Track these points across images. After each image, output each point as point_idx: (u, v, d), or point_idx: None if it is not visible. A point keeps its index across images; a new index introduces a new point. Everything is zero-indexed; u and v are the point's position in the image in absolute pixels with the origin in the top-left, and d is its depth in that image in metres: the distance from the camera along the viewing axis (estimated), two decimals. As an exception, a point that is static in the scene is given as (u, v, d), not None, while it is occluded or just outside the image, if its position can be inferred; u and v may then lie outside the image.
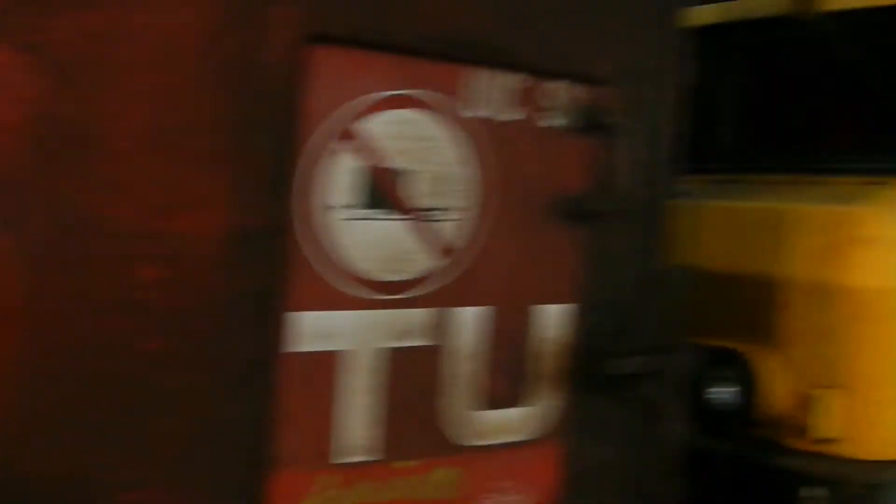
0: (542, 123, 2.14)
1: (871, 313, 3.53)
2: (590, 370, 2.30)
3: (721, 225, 3.86)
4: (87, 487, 1.58)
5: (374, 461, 1.94)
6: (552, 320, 2.24)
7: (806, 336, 3.65)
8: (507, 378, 2.17)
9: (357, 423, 1.90)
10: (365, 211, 1.86)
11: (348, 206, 1.83)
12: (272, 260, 1.74)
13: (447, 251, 2.01)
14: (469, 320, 2.07)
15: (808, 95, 4.40)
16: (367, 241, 1.88)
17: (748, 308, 3.79)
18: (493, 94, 2.03)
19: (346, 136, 1.81)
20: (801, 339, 3.65)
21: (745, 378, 3.70)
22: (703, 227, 3.80)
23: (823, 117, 4.37)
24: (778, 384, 3.67)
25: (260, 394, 1.75)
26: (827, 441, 3.52)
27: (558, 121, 2.17)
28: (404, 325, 1.96)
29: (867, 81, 3.91)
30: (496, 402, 2.15)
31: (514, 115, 2.08)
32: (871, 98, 3.98)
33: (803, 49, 4.05)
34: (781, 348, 3.68)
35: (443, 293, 2.01)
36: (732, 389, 3.72)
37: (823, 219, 3.72)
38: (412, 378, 1.99)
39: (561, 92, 2.16)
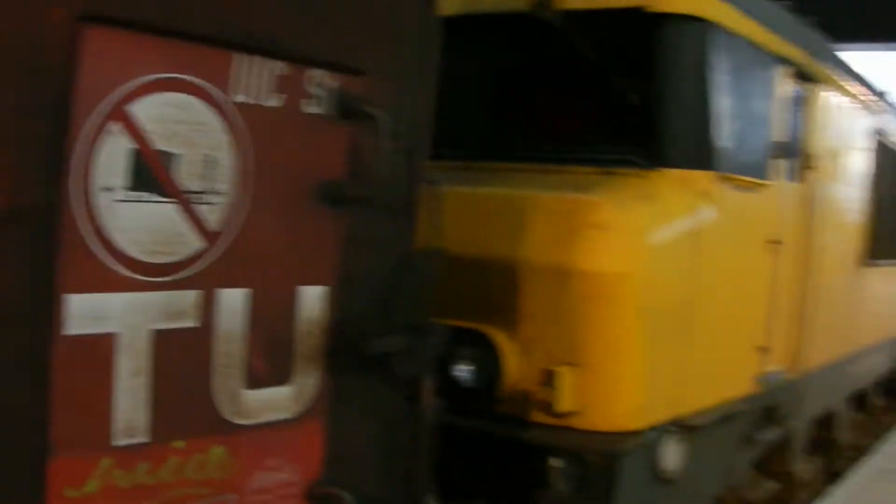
0: (306, 110, 2.50)
1: (603, 295, 4.26)
2: (349, 350, 2.71)
3: (464, 211, 4.38)
4: None
5: (152, 443, 2.20)
6: (313, 301, 2.61)
7: (544, 317, 4.31)
8: (271, 358, 2.50)
9: (133, 405, 2.15)
10: (137, 193, 2.11)
11: (122, 188, 2.08)
12: (46, 241, 1.95)
13: (214, 234, 2.31)
14: (234, 301, 2.38)
15: (546, 88, 5.13)
16: (138, 223, 2.12)
17: (491, 290, 4.40)
18: (259, 80, 2.36)
19: (120, 117, 2.06)
20: (540, 319, 4.31)
21: (488, 357, 4.30)
22: (448, 213, 4.37)
23: (560, 110, 5.12)
24: (519, 362, 4.32)
25: (36, 378, 1.95)
26: (567, 415, 4.21)
27: (321, 108, 2.55)
28: (175, 307, 2.23)
29: (601, 77, 4.66)
30: (262, 382, 2.48)
31: (279, 101, 2.43)
32: (604, 93, 4.76)
33: (542, 44, 4.73)
34: (522, 328, 4.33)
35: (210, 275, 2.30)
36: (475, 368, 4.32)
37: (558, 206, 4.41)
38: (183, 359, 2.27)
39: (324, 80, 2.54)
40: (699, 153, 4.78)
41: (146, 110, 2.11)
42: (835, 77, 6.68)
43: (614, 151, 4.75)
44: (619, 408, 4.31)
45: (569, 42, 4.69)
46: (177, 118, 2.17)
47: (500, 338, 4.36)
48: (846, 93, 6.99)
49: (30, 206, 1.92)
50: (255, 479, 2.48)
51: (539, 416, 4.28)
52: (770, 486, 6.27)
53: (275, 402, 2.52)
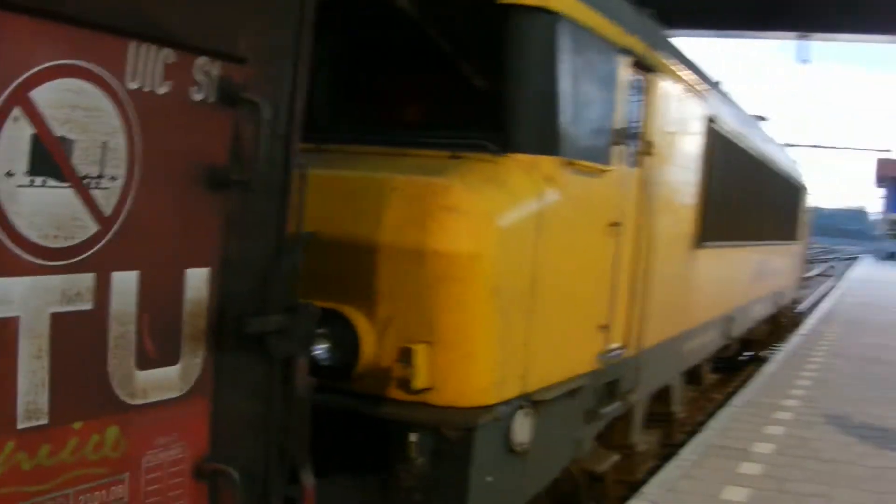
0: (193, 98, 2.73)
1: (455, 275, 4.65)
2: (230, 330, 2.96)
3: (319, 193, 4.66)
4: None
5: (51, 425, 2.39)
6: (198, 283, 2.85)
7: (400, 296, 4.66)
8: (160, 338, 2.72)
9: (35, 387, 2.33)
10: (37, 178, 2.29)
11: (23, 174, 2.25)
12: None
13: (108, 218, 2.51)
14: (127, 284, 2.59)
15: (398, 73, 5.46)
16: (38, 207, 2.30)
17: (348, 271, 4.71)
18: (152, 68, 2.57)
19: (21, 103, 2.23)
20: (396, 299, 4.65)
21: (345, 336, 4.61)
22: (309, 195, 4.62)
23: (411, 94, 5.47)
24: (376, 341, 4.65)
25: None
26: (423, 391, 4.58)
27: (205, 95, 2.78)
28: (72, 290, 2.41)
29: (452, 63, 5.02)
30: (152, 362, 2.70)
31: (168, 88, 2.64)
32: (455, 79, 5.12)
33: (395, 28, 5.04)
34: (379, 308, 4.66)
35: (104, 258, 2.50)
36: (333, 347, 4.62)
37: (411, 189, 4.75)
38: (81, 341, 2.46)
39: (209, 68, 2.77)
40: (545, 139, 5.24)
41: (46, 96, 2.29)
42: (671, 66, 7.35)
43: (465, 136, 5.14)
44: (472, 384, 4.72)
45: (420, 28, 5.03)
46: (74, 104, 2.36)
47: (357, 317, 4.67)
48: (682, 81, 7.69)
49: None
50: (147, 457, 2.70)
51: (397, 393, 4.63)
52: (613, 459, 6.88)
53: (164, 381, 2.74)
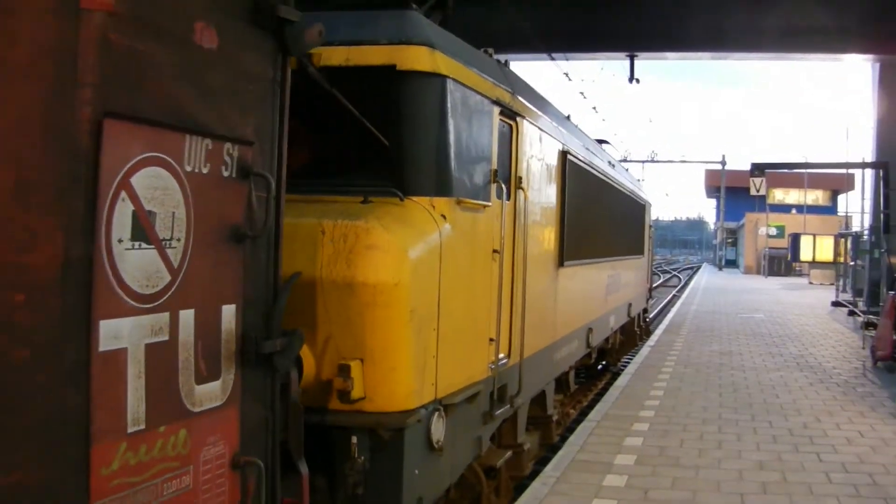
0: (222, 174, 3.62)
1: (379, 301, 5.60)
2: (250, 351, 3.84)
3: None
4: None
5: (146, 429, 3.22)
6: (229, 316, 3.72)
7: (336, 320, 5.57)
8: (208, 360, 3.58)
9: (137, 401, 3.16)
10: (135, 242, 3.13)
11: (127, 240, 3.09)
12: (87, 282, 2.93)
13: (176, 270, 3.37)
14: (188, 319, 3.44)
15: (315, 132, 6.37)
16: (136, 265, 3.14)
17: (294, 300, 5.58)
18: (197, 153, 3.44)
19: (125, 187, 3.08)
20: (334, 322, 5.56)
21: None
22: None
23: (328, 149, 6.40)
24: (317, 360, 5.54)
25: (83, 385, 2.93)
26: (358, 400, 5.50)
27: (230, 172, 3.66)
28: (156, 326, 3.26)
29: (360, 122, 5.97)
30: (204, 379, 3.56)
31: (208, 168, 3.52)
32: (363, 135, 6.07)
33: (313, 94, 5.95)
34: (319, 331, 5.55)
35: (173, 300, 3.35)
36: None
37: (337, 231, 5.68)
38: (163, 364, 3.30)
39: (231, 150, 3.66)
40: (440, 183, 6.28)
41: (139, 181, 3.15)
42: (532, 109, 8.55)
43: (374, 183, 6.12)
44: (398, 392, 5.67)
45: (328, 93, 5.97)
46: (155, 185, 3.22)
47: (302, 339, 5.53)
48: (540, 120, 8.91)
49: (77, 256, 2.90)
50: (203, 453, 3.55)
51: (335, 404, 5.52)
52: (507, 455, 7.97)
53: (212, 393, 3.60)
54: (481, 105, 7.01)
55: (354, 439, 5.52)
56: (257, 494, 3.88)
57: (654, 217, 25.35)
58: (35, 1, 2.78)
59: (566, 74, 30.68)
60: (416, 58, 6.17)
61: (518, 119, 7.94)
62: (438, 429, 6.09)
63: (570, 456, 9.28)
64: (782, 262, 60.32)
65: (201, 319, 3.52)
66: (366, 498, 5.55)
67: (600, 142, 16.53)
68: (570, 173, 10.19)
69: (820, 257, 50.97)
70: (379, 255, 5.63)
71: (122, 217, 3.08)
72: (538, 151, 8.78)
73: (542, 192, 8.96)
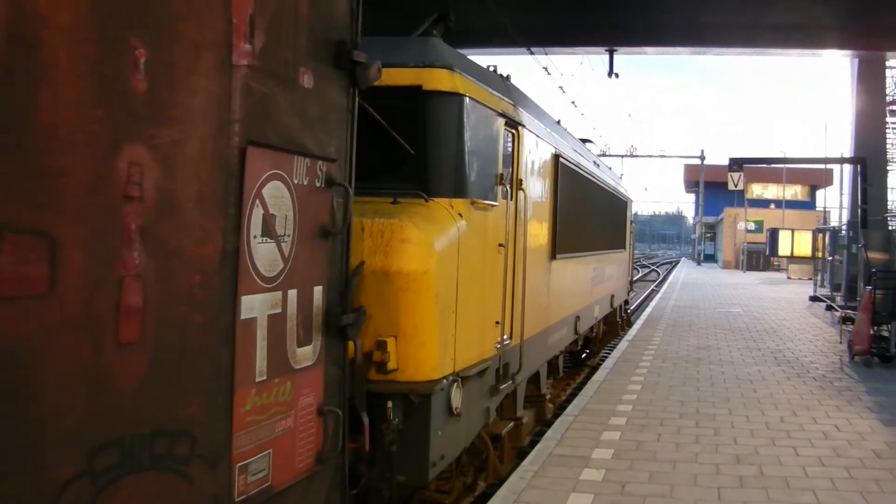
0: (315, 185, 4.76)
1: (411, 287, 6.76)
2: (331, 322, 4.99)
3: None
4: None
5: (269, 379, 4.36)
6: (318, 295, 4.87)
7: (374, 302, 6.72)
8: (304, 329, 4.73)
9: (261, 358, 4.30)
10: (263, 238, 4.27)
11: (259, 236, 4.23)
12: (235, 267, 4.07)
13: (286, 259, 4.51)
14: (293, 297, 4.59)
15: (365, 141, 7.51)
16: (263, 255, 4.28)
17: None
18: (301, 170, 4.58)
19: (258, 197, 4.21)
20: (372, 304, 6.71)
21: None
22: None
23: (363, 157, 7.53)
24: (359, 336, 6.69)
25: (230, 344, 4.06)
26: (392, 371, 6.66)
27: (320, 183, 4.81)
28: (273, 301, 4.41)
29: (392, 134, 7.11)
30: (302, 343, 4.70)
31: (307, 181, 4.66)
32: (394, 145, 7.21)
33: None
34: (367, 311, 6.69)
35: (284, 282, 4.50)
36: None
37: (376, 228, 6.84)
38: (277, 331, 4.45)
39: (321, 166, 4.80)
40: (458, 187, 7.46)
41: (267, 192, 4.29)
42: (530, 118, 9.74)
43: (402, 186, 7.28)
44: (426, 363, 6.83)
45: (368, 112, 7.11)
46: (276, 195, 4.37)
47: None
48: (537, 127, 10.10)
49: (230, 248, 4.04)
50: (300, 401, 4.70)
51: (373, 374, 6.67)
52: (510, 425, 9.20)
53: (306, 355, 4.75)
54: (490, 118, 8.19)
55: (390, 404, 6.68)
56: (335, 437, 5.04)
57: (633, 212, 26.43)
58: (206, 61, 3.90)
59: (545, 69, 31.38)
60: (439, 79, 7.34)
61: (519, 128, 9.12)
62: (457, 397, 7.27)
63: (547, 450, 9.49)
64: (761, 257, 61.44)
65: (301, 297, 4.67)
66: (399, 454, 6.71)
67: (584, 141, 17.77)
68: (562, 174, 11.39)
69: (798, 252, 52.06)
70: (411, 248, 6.79)
71: (256, 219, 4.22)
72: (535, 156, 9.97)
73: (538, 192, 10.17)
